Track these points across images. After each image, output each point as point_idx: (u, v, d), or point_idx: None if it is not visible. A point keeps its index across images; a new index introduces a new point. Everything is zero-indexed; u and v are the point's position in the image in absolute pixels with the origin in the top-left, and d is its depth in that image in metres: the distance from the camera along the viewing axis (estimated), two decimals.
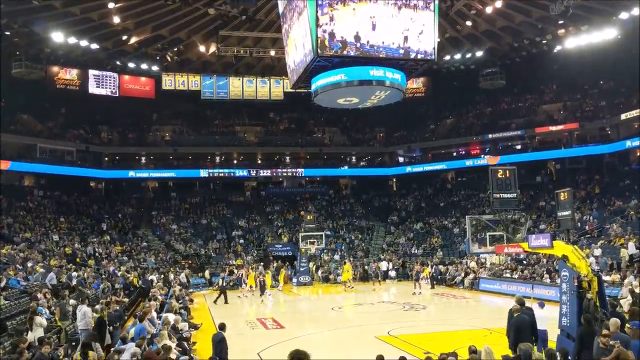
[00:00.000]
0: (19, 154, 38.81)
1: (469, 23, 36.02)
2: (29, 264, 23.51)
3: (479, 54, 39.56)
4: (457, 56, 39.95)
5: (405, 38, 21.55)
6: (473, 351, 9.19)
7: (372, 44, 21.30)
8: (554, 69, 41.23)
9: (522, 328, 10.34)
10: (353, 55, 21.43)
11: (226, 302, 24.64)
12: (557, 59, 39.10)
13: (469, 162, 44.25)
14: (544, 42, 36.99)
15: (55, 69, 40.16)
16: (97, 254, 32.84)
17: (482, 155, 43.55)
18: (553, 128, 40.73)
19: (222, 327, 11.35)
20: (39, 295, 16.29)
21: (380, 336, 15.58)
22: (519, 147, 43.49)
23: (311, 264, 34.20)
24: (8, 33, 33.38)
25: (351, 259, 36.26)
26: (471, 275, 29.15)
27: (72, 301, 16.47)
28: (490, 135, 43.27)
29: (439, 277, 30.89)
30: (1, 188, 37.07)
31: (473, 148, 45.57)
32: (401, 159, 49.43)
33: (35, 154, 39.61)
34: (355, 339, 15.99)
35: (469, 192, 44.00)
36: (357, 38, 21.03)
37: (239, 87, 44.20)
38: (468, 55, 39.90)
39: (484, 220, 16.65)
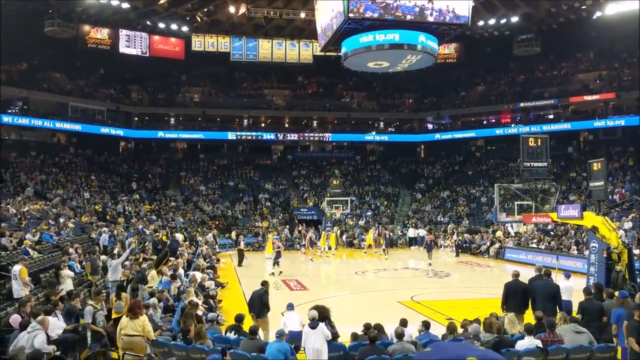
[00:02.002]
0: (51, 111, 39.44)
1: None
2: (61, 220, 24.09)
3: (514, 19, 38.48)
4: (492, 21, 38.93)
5: (441, 2, 21.08)
6: (495, 317, 9.20)
7: (405, 6, 20.87)
8: (592, 37, 39.85)
9: (512, 293, 10.59)
10: (385, 18, 21.06)
11: (240, 264, 24.70)
12: (595, 26, 37.80)
13: (499, 131, 43.54)
14: (584, 7, 35.75)
15: (86, 28, 40.33)
16: (126, 212, 33.52)
17: (513, 124, 42.83)
18: (588, 98, 39.64)
19: (265, 283, 11.64)
20: (71, 250, 16.77)
21: (403, 301, 15.69)
22: (551, 116, 42.55)
23: (335, 229, 34.35)
24: None
25: (376, 224, 36.24)
26: (497, 245, 28.99)
27: (102, 256, 16.92)
28: (522, 104, 42.38)
29: (464, 245, 30.81)
30: (35, 144, 38.01)
31: (504, 116, 44.77)
32: (430, 126, 48.84)
33: (67, 112, 40.19)
34: (378, 303, 16.14)
35: (498, 160, 43.44)
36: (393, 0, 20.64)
37: (268, 49, 43.91)
38: (503, 21, 38.85)
39: (512, 189, 16.51)
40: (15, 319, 8.90)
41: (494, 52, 44.00)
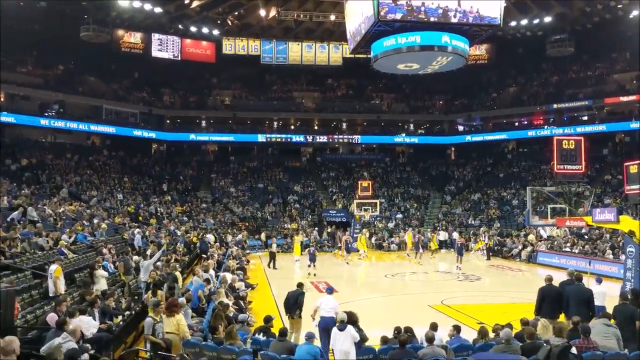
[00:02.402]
0: (86, 114, 40.31)
1: None
2: (95, 221, 24.58)
3: (548, 19, 37.85)
4: (524, 22, 38.35)
5: (470, 3, 20.87)
6: (525, 323, 9.05)
7: (435, 8, 20.74)
8: (628, 36, 38.87)
9: (547, 298, 10.38)
10: (415, 20, 20.96)
11: (274, 267, 24.74)
12: (631, 25, 36.88)
13: (531, 133, 42.96)
14: (619, 6, 34.96)
15: (120, 32, 41.09)
16: (158, 213, 34.02)
17: (546, 126, 42.13)
18: (624, 99, 38.75)
19: (300, 285, 11.66)
20: (104, 251, 17.09)
21: (433, 305, 15.57)
22: (585, 118, 41.71)
23: (365, 231, 34.21)
24: None
25: (407, 228, 36.01)
26: (529, 248, 28.54)
27: (135, 257, 17.21)
28: (555, 105, 41.65)
29: (496, 248, 30.39)
30: (70, 146, 38.94)
31: (536, 118, 44.09)
32: (461, 128, 48.35)
33: (101, 115, 41.03)
34: (408, 307, 16.05)
35: (530, 163, 42.80)
36: (425, 3, 20.53)
37: (298, 52, 44.08)
38: (535, 21, 38.26)
39: (545, 192, 16.26)
40: (52, 318, 9.11)
41: (526, 52, 43.34)
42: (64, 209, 25.45)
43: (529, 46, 41.82)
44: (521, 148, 46.16)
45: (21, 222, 18.64)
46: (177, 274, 14.76)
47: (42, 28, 37.64)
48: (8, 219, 18.66)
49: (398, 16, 20.85)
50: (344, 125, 47.77)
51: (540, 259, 27.02)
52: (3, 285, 3.00)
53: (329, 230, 35.58)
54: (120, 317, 10.82)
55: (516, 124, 45.28)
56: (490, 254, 29.54)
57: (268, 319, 10.07)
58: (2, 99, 37.20)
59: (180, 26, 41.28)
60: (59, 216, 22.92)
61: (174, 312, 9.16)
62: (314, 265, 22.58)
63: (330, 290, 11.02)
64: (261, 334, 9.72)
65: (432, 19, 20.93)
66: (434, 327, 8.84)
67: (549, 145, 15.26)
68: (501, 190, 41.05)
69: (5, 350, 4.87)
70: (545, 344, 7.64)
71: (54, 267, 11.90)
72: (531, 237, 29.90)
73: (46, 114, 38.72)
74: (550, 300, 10.48)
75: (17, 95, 37.67)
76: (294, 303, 11.21)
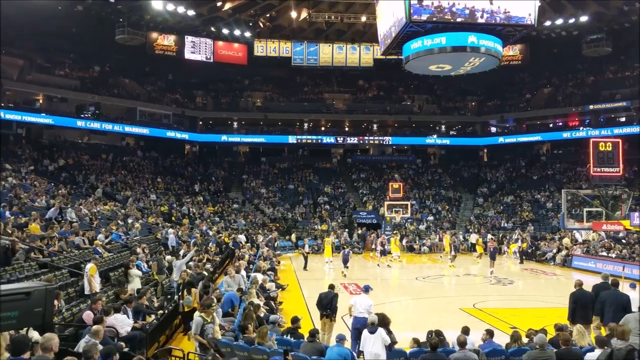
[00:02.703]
0: (121, 116, 41.11)
1: None
2: (129, 220, 25.04)
3: (584, 18, 37.02)
4: (559, 21, 37.61)
5: (507, 2, 20.60)
6: (560, 328, 8.88)
7: (467, 8, 20.53)
8: None
9: (580, 303, 10.29)
10: (447, 20, 20.78)
11: (305, 268, 24.89)
12: None
13: (566, 134, 42.14)
14: None
15: (154, 35, 41.75)
16: (190, 214, 34.46)
17: (582, 127, 41.25)
18: None
19: (332, 287, 11.67)
20: (138, 250, 17.40)
21: (465, 308, 15.40)
22: (623, 119, 40.70)
23: (395, 232, 33.96)
24: (113, 1, 35.05)
25: (445, 230, 35.67)
26: (564, 252, 27.96)
27: (168, 257, 17.47)
28: (591, 106, 40.69)
29: (529, 252, 29.88)
30: (106, 147, 39.80)
31: (572, 119, 43.23)
32: (493, 129, 47.71)
33: (136, 116, 41.77)
34: (439, 310, 15.90)
35: (565, 165, 42.01)
36: (451, 3, 20.34)
37: (329, 53, 44.12)
38: (571, 21, 37.46)
39: (581, 195, 15.93)
40: (88, 316, 9.32)
41: (561, 52, 42.47)
42: (99, 209, 26.00)
43: (564, 46, 40.96)
44: (556, 150, 45.32)
45: (61, 221, 19.14)
46: (205, 273, 14.89)
47: (79, 31, 38.57)
48: (46, 217, 19.17)
49: (428, 17, 20.71)
50: (375, 127, 47.63)
51: (576, 263, 26.46)
52: (43, 283, 3.11)
53: (359, 231, 35.51)
54: (153, 316, 10.99)
55: (551, 125, 44.51)
56: (524, 257, 29.06)
57: (295, 320, 10.13)
58: (41, 101, 38.22)
59: (212, 28, 41.73)
60: (94, 216, 23.43)
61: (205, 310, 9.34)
62: (347, 267, 22.73)
63: (366, 289, 10.96)
64: (289, 335, 9.78)
65: (459, 19, 20.72)
66: (466, 331, 8.75)
67: (585, 147, 14.93)
68: (535, 193, 40.36)
69: (44, 347, 5.00)
70: (597, 350, 7.46)
71: (89, 266, 12.18)
72: (566, 240, 29.29)
73: (82, 116, 39.64)
74: (583, 305, 10.35)
75: (55, 97, 38.62)
76: (327, 304, 11.20)
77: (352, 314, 10.51)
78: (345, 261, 22.88)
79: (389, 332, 9.23)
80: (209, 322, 9.18)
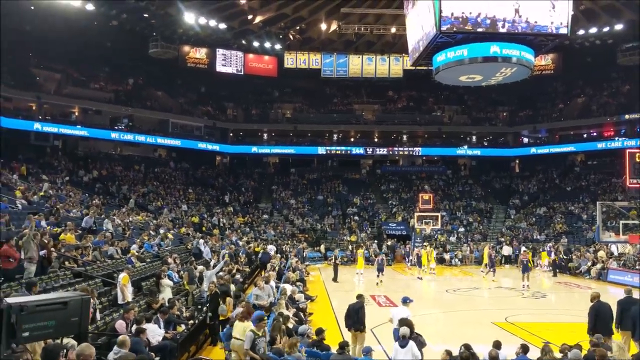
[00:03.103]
0: (154, 128, 41.84)
1: None
2: (161, 231, 25.37)
3: (618, 27, 36.37)
4: (593, 30, 37.02)
5: (536, 12, 20.37)
6: (596, 344, 8.66)
7: (498, 19, 20.37)
8: None
9: (601, 315, 10.29)
10: (477, 30, 20.65)
11: (335, 279, 24.70)
12: None
13: (600, 145, 41.26)
14: None
15: (186, 48, 42.51)
16: (221, 224, 34.77)
17: (617, 137, 40.35)
18: None
19: (360, 296, 11.53)
20: (170, 260, 17.61)
21: (497, 322, 15.15)
22: None
23: (426, 245, 33.55)
24: (146, 15, 35.82)
25: (475, 241, 35.28)
26: (599, 265, 27.27)
27: (199, 267, 17.62)
28: (627, 116, 39.84)
29: (562, 265, 29.21)
30: (138, 159, 40.52)
31: (606, 129, 42.31)
32: (525, 140, 47.05)
33: (168, 128, 42.47)
34: (470, 323, 15.66)
35: (600, 176, 41.12)
36: (481, 13, 20.22)
37: (358, 65, 44.24)
38: (605, 29, 36.83)
39: (617, 207, 15.59)
40: (120, 325, 9.47)
41: (595, 62, 41.74)
42: (132, 219, 26.42)
43: (598, 55, 40.28)
44: (590, 160, 44.45)
45: (97, 231, 19.52)
46: (232, 286, 14.85)
47: (113, 45, 39.52)
48: (81, 227, 19.57)
49: (457, 27, 20.62)
50: (405, 138, 47.46)
51: (612, 277, 25.74)
52: (79, 293, 3.20)
53: (389, 243, 35.29)
54: (183, 326, 11.10)
55: (584, 135, 43.68)
56: (557, 270, 28.42)
57: (319, 331, 10.10)
58: (76, 114, 39.18)
59: (243, 41, 42.28)
60: (127, 226, 23.82)
61: (246, 318, 9.43)
62: (382, 274, 23.27)
63: (404, 301, 10.91)
64: (314, 348, 9.74)
65: (488, 29, 20.56)
66: (497, 345, 8.60)
67: (621, 158, 14.64)
68: (569, 204, 39.59)
69: (79, 357, 5.11)
70: None
71: (122, 275, 12.37)
72: (601, 253, 28.56)
73: (116, 128, 40.48)
74: (604, 318, 10.28)
75: (90, 109, 39.54)
76: (354, 316, 11.14)
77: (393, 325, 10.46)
78: (380, 270, 23.23)
79: (417, 335, 9.16)
80: (260, 336, 9.07)
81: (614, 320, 10.41)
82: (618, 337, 10.18)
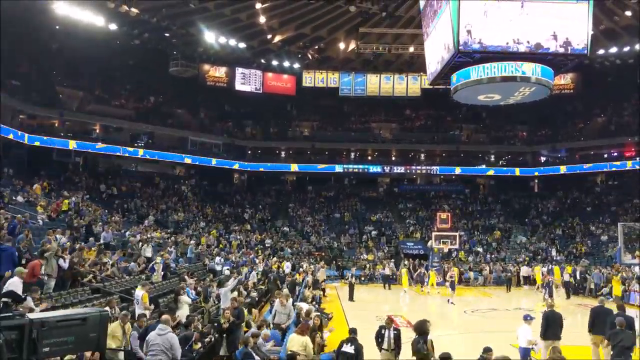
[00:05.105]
0: (173, 145, 42.28)
1: (628, 13, 32.94)
2: (179, 248, 25.54)
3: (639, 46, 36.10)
4: (613, 50, 36.79)
5: (555, 32, 20.32)
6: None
7: (517, 39, 20.37)
8: None
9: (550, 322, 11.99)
10: (496, 51, 20.66)
11: (351, 298, 24.65)
12: None
13: (621, 164, 40.65)
14: None
15: (206, 67, 43.04)
16: (238, 241, 34.87)
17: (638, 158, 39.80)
18: None
19: (389, 321, 11.36)
20: (186, 277, 17.69)
21: (515, 344, 14.90)
22: None
23: (450, 265, 32.90)
24: (168, 35, 36.44)
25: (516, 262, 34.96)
26: (621, 287, 26.74)
27: (216, 286, 17.67)
28: None
29: (578, 285, 28.60)
30: (157, 175, 40.91)
31: (628, 149, 41.77)
32: (544, 159, 46.65)
33: (187, 146, 42.90)
34: (487, 344, 15.43)
35: (621, 196, 40.50)
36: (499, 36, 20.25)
37: (376, 83, 44.39)
38: (626, 49, 36.56)
39: (638, 228, 15.35)
40: (134, 337, 9.54)
41: (615, 81, 41.33)
42: (150, 235, 26.63)
43: (619, 75, 39.94)
44: (611, 180, 43.89)
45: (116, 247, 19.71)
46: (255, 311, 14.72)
47: (135, 64, 40.20)
48: (101, 240, 19.77)
49: (476, 47, 20.66)
50: (422, 156, 47.36)
51: (635, 299, 25.24)
52: (97, 309, 3.25)
53: (406, 262, 34.96)
54: (199, 344, 11.10)
55: (605, 155, 43.15)
56: (570, 291, 27.65)
57: (353, 330, 10.15)
58: (97, 131, 39.77)
59: (262, 60, 42.72)
60: (146, 242, 24.00)
61: (305, 333, 10.04)
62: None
63: (525, 318, 11.48)
64: (349, 344, 9.81)
65: (526, 50, 20.52)
66: None
67: None
68: (589, 225, 39.06)
69: None
70: None
71: (140, 293, 12.45)
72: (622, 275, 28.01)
73: (136, 145, 40.97)
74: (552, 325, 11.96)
75: (111, 127, 40.12)
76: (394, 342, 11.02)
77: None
78: (422, 282, 25.62)
79: (425, 340, 9.13)
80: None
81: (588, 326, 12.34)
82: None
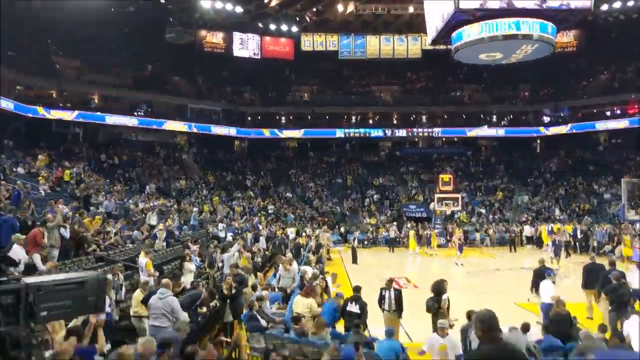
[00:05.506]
0: (172, 113, 41.97)
1: None
2: (182, 215, 25.57)
3: None
4: (617, 4, 36.09)
5: None
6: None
7: None
8: None
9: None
10: (497, 7, 20.24)
11: (354, 261, 24.84)
12: None
13: (625, 122, 40.26)
14: None
15: (203, 32, 42.41)
16: (241, 208, 34.93)
17: None
18: None
19: (390, 281, 11.43)
20: (190, 244, 17.73)
21: (519, 303, 15.01)
22: None
23: (454, 226, 32.99)
24: (163, 1, 35.79)
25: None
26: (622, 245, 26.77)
27: (219, 252, 17.69)
28: None
29: (582, 244, 28.58)
30: (158, 144, 40.72)
31: (631, 107, 41.31)
32: (547, 118, 46.21)
33: (186, 113, 42.58)
34: (492, 304, 15.45)
35: (625, 154, 40.26)
36: None
37: (375, 45, 43.77)
38: (630, 3, 35.87)
39: None
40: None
41: (619, 37, 40.61)
42: (153, 204, 26.62)
43: (623, 30, 39.24)
44: (614, 138, 43.59)
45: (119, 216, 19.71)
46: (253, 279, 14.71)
47: (131, 31, 39.60)
48: (104, 210, 19.77)
49: (477, 4, 20.23)
50: (424, 119, 46.99)
51: (636, 257, 25.26)
52: (95, 273, 3.20)
53: (409, 225, 35.03)
54: (205, 308, 11.14)
55: (608, 113, 42.72)
56: (570, 250, 27.52)
57: (357, 288, 10.22)
58: (96, 101, 39.46)
59: (260, 24, 42.07)
60: (150, 210, 24.00)
61: (309, 295, 10.17)
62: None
63: (549, 274, 12.36)
64: (353, 302, 9.98)
65: (528, 7, 20.09)
66: (526, 327, 8.47)
67: None
68: (592, 183, 38.97)
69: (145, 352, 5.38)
70: None
71: (143, 260, 12.44)
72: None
73: (135, 114, 40.68)
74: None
75: (109, 96, 39.78)
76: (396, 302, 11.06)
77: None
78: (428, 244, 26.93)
79: (438, 300, 9.22)
80: None
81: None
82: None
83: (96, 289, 3.14)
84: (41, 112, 34.86)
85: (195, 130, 42.38)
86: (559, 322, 9.15)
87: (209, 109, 44.30)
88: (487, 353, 3.74)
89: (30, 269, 10.60)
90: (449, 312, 9.91)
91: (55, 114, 35.76)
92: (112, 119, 38.34)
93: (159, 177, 36.26)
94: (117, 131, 40.36)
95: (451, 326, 8.91)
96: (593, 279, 12.42)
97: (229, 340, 10.19)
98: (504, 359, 3.71)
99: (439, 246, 29.79)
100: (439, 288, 9.83)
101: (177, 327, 7.75)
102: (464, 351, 8.01)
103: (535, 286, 13.34)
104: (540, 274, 13.27)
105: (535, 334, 8.83)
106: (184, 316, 8.66)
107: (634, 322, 8.21)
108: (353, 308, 9.92)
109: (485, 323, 3.81)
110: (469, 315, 8.43)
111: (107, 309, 8.92)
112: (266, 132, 45.23)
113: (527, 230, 32.89)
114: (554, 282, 12.13)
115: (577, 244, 28.59)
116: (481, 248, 31.81)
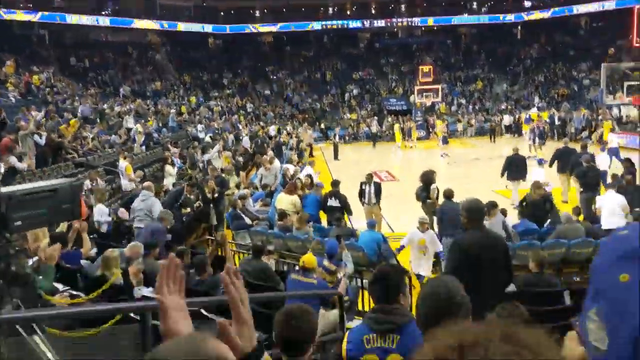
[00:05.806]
0: (141, 11, 39.99)
1: None
2: (160, 117, 25.19)
3: None
4: None
5: None
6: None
7: None
8: None
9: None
10: None
11: (336, 158, 24.98)
12: None
13: (608, 4, 39.21)
14: None
15: None
16: (219, 107, 34.48)
17: None
18: None
19: (370, 176, 11.61)
20: (170, 146, 17.59)
21: (497, 190, 15.35)
22: None
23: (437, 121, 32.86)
24: None
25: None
26: (600, 130, 27.10)
27: (200, 153, 17.65)
28: None
29: (560, 130, 28.82)
30: (129, 44, 39.25)
31: None
32: (528, 4, 44.88)
33: (156, 10, 40.60)
34: (472, 192, 15.82)
35: (605, 39, 39.74)
36: None
37: None
38: None
39: (622, 69, 15.19)
40: (123, 212, 9.59)
41: None
42: (130, 107, 26.13)
43: None
44: (595, 22, 42.80)
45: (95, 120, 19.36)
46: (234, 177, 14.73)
47: None
48: (79, 115, 19.35)
49: None
50: (403, 8, 45.45)
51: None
52: (68, 180, 3.14)
53: (389, 119, 34.96)
54: (189, 209, 11.24)
55: None
56: (545, 136, 27.59)
57: (335, 183, 10.38)
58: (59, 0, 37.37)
59: None
60: (127, 114, 23.58)
61: (292, 192, 10.22)
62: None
63: (540, 162, 13.39)
64: (332, 198, 10.15)
65: None
66: (503, 213, 8.71)
67: (628, 19, 13.86)
68: (572, 70, 38.77)
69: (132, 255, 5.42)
70: None
71: (123, 164, 12.35)
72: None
73: (103, 13, 38.70)
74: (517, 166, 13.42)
75: None
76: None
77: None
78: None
79: (427, 189, 9.46)
80: None
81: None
82: None
83: (70, 196, 3.09)
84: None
85: (167, 27, 40.62)
86: (535, 206, 9.41)
87: (179, 5, 42.24)
88: (472, 238, 4.28)
89: (7, 179, 10.47)
90: (438, 201, 10.14)
91: (15, 17, 33.91)
92: (74, 19, 36.33)
93: (132, 79, 35.29)
94: (84, 32, 38.57)
95: None
96: (565, 163, 12.71)
97: (214, 238, 10.37)
98: (487, 244, 4.22)
99: (418, 139, 30.07)
100: (428, 178, 10.01)
101: (160, 217, 7.87)
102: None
103: (504, 172, 13.61)
104: (512, 161, 13.58)
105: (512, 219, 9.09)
106: None
107: (604, 196, 8.62)
108: (333, 202, 10.08)
109: (472, 212, 4.36)
110: (449, 194, 8.70)
111: (107, 218, 8.95)
112: (243, 29, 43.47)
113: (507, 120, 33.02)
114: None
115: (554, 130, 28.86)
116: (462, 138, 32.09)
